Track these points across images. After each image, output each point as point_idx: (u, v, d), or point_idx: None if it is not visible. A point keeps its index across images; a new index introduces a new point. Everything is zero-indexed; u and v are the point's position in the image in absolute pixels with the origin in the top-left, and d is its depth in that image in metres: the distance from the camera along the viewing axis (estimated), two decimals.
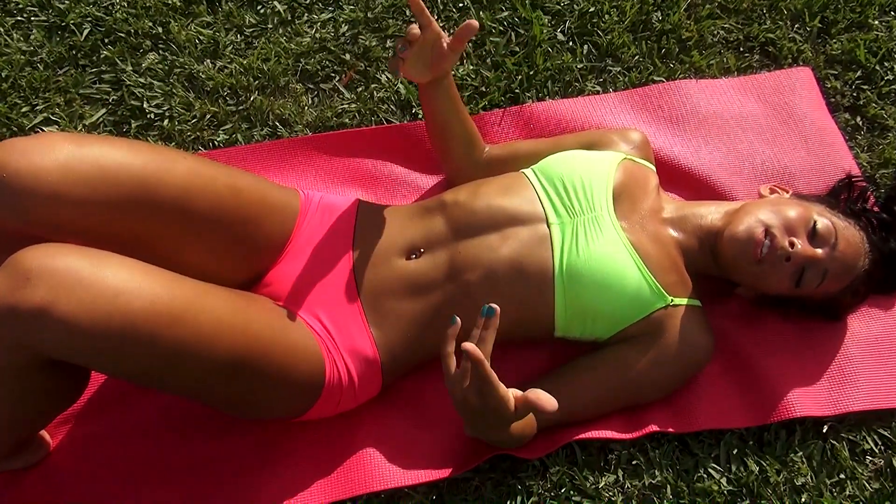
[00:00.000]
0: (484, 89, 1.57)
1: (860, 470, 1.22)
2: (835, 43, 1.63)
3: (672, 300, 1.17)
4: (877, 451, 1.24)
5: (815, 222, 1.17)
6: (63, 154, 1.00)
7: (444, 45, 1.16)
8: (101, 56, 1.59)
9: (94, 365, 0.94)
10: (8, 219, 0.99)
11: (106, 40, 1.62)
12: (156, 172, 1.06)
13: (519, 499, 1.19)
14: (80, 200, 1.00)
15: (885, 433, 1.25)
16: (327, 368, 1.13)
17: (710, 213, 1.26)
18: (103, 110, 1.55)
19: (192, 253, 1.10)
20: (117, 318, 0.90)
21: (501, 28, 1.64)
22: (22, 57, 1.59)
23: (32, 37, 1.62)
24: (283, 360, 1.06)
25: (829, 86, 1.59)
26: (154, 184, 1.05)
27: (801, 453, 1.22)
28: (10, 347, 0.91)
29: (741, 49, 1.64)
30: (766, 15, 1.67)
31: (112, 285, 0.91)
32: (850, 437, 1.24)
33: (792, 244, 1.14)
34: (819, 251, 1.16)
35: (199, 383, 1.01)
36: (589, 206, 1.21)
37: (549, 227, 1.19)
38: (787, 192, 1.29)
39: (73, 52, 1.61)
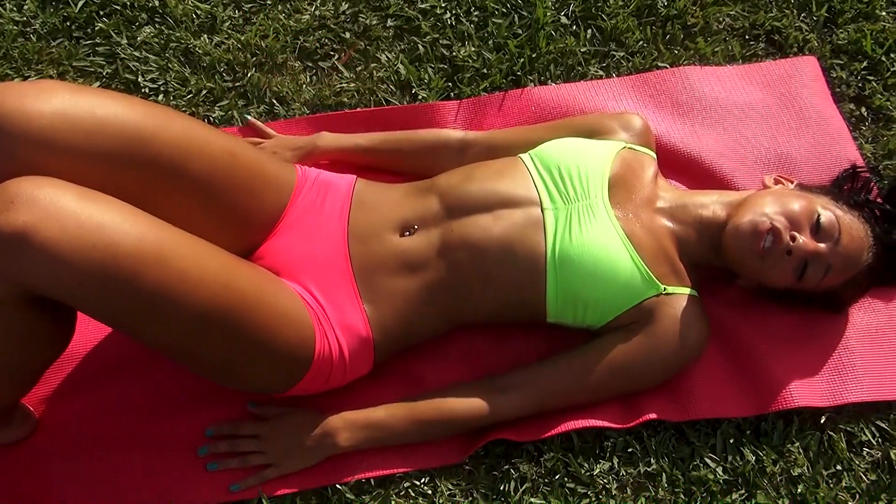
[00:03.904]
0: (486, 71, 1.55)
1: (857, 462, 1.21)
2: (841, 33, 1.61)
3: (665, 289, 1.16)
4: (874, 443, 1.23)
5: (818, 216, 1.15)
6: (58, 100, 0.98)
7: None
8: (96, 28, 1.56)
9: (76, 301, 0.92)
10: None
11: (101, 12, 1.59)
12: (152, 128, 1.04)
13: (512, 484, 1.17)
14: (71, 148, 0.98)
15: (883, 425, 1.24)
16: (318, 340, 1.11)
17: (712, 203, 1.24)
18: (97, 83, 1.52)
19: (185, 216, 1.08)
20: (101, 248, 0.89)
21: (504, 10, 1.61)
22: (15, 27, 1.56)
23: (26, 7, 1.58)
24: (270, 322, 1.05)
25: (834, 76, 1.57)
26: (150, 139, 1.03)
27: (798, 444, 1.21)
28: None
29: (746, 37, 1.62)
30: (773, 3, 1.65)
31: (98, 218, 0.90)
32: (848, 428, 1.23)
33: (794, 238, 1.13)
34: (822, 246, 1.14)
35: (181, 335, 0.99)
36: (584, 193, 1.19)
37: (542, 211, 1.18)
38: (792, 183, 1.28)
39: (68, 23, 1.58)
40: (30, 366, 1.05)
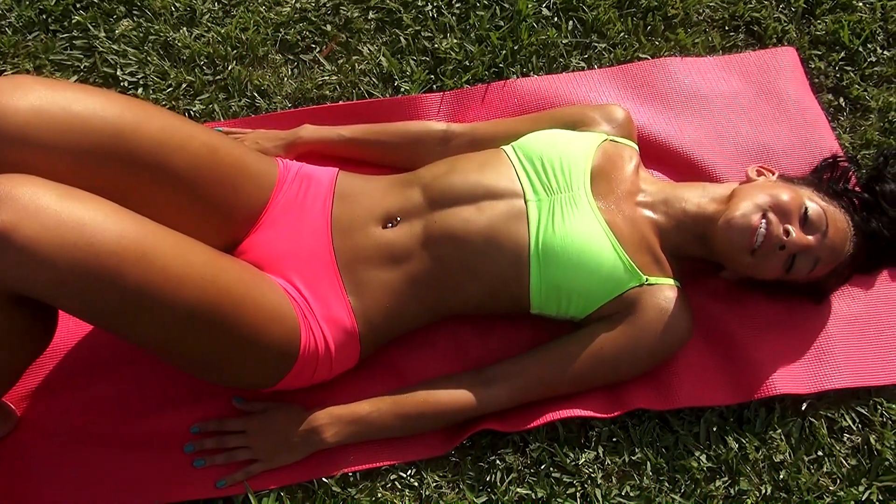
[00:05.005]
0: (468, 63, 1.54)
1: (838, 447, 1.23)
2: (819, 24, 1.62)
3: (647, 279, 1.17)
4: (854, 428, 1.24)
5: (806, 208, 1.16)
6: (34, 96, 0.97)
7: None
8: (73, 21, 1.54)
9: (58, 300, 0.91)
10: None
11: (78, 5, 1.56)
12: (131, 123, 1.03)
13: (498, 475, 1.18)
14: (49, 145, 0.97)
15: (863, 411, 1.25)
16: (303, 334, 1.11)
17: (696, 196, 1.24)
18: (75, 77, 1.50)
19: (166, 212, 1.07)
20: (82, 246, 0.88)
21: (486, 1, 1.61)
22: None
23: (0, 0, 1.56)
24: (255, 317, 1.04)
25: (812, 66, 1.58)
26: (128, 135, 1.02)
27: (779, 431, 1.23)
28: None
29: (726, 28, 1.63)
30: None
31: (79, 215, 0.89)
32: (829, 414, 1.25)
33: (787, 232, 1.13)
34: (811, 238, 1.15)
35: (165, 332, 0.98)
36: (567, 184, 1.19)
37: (525, 203, 1.18)
38: (774, 174, 1.28)
39: (44, 16, 1.55)
40: (10, 364, 1.04)
